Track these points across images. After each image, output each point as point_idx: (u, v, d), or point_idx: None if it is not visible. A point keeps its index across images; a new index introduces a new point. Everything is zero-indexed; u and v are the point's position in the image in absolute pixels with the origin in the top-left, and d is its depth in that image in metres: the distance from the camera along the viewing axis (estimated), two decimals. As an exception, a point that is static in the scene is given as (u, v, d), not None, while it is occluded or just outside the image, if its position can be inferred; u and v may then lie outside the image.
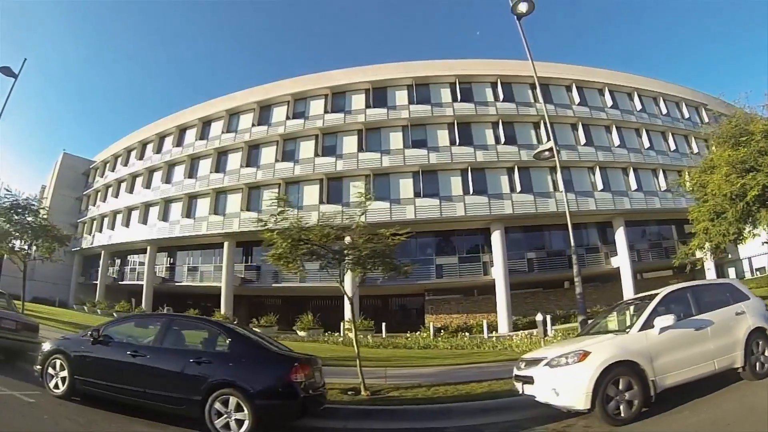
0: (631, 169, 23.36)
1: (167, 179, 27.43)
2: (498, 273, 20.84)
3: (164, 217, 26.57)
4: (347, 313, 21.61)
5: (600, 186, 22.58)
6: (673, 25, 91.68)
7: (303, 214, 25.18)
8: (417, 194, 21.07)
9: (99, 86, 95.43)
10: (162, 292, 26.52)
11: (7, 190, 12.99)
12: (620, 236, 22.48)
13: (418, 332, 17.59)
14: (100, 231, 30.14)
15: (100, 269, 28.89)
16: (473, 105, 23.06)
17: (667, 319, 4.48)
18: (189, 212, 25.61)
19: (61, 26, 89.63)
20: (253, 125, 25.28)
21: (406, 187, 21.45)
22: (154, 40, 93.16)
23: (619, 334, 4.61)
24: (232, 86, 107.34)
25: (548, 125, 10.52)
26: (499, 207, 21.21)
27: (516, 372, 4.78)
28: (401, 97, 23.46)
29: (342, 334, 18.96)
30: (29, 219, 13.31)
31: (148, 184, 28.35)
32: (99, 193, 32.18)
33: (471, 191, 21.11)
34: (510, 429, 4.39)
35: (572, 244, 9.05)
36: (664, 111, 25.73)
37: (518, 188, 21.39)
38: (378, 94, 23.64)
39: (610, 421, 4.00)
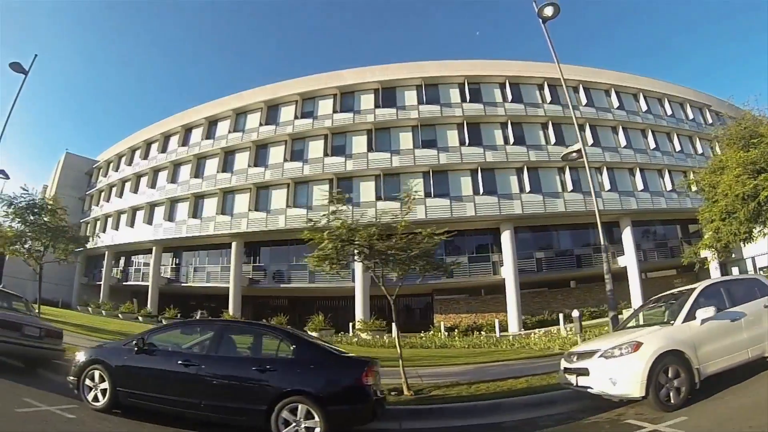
0: (638, 169, 23.84)
1: (173, 179, 27.51)
2: (508, 272, 21.20)
3: (170, 217, 26.65)
4: (358, 313, 21.92)
5: (607, 186, 23.03)
6: (675, 26, 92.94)
7: (312, 214, 25.20)
8: (428, 194, 21.37)
9: (101, 86, 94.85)
10: (167, 293, 26.58)
11: (24, 189, 12.99)
12: (627, 236, 22.94)
13: (431, 332, 17.86)
14: (104, 231, 30.12)
15: (104, 270, 28.88)
16: (482, 105, 23.42)
17: (709, 311, 4.80)
18: (196, 212, 25.72)
19: (63, 25, 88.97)
20: (260, 125, 25.46)
21: (416, 187, 21.73)
22: (159, 38, 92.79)
23: (665, 325, 4.93)
24: (238, 86, 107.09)
25: (576, 126, 10.83)
26: (508, 207, 21.57)
27: (566, 365, 5.06)
28: (410, 97, 23.77)
29: (354, 334, 19.24)
30: (46, 219, 13.24)
31: (153, 184, 28.40)
32: (102, 193, 32.18)
33: (481, 191, 21.46)
34: (565, 420, 4.63)
35: (603, 242, 9.40)
36: (669, 112, 26.26)
37: (527, 188, 21.77)
38: (387, 94, 23.94)
39: (662, 408, 4.31)
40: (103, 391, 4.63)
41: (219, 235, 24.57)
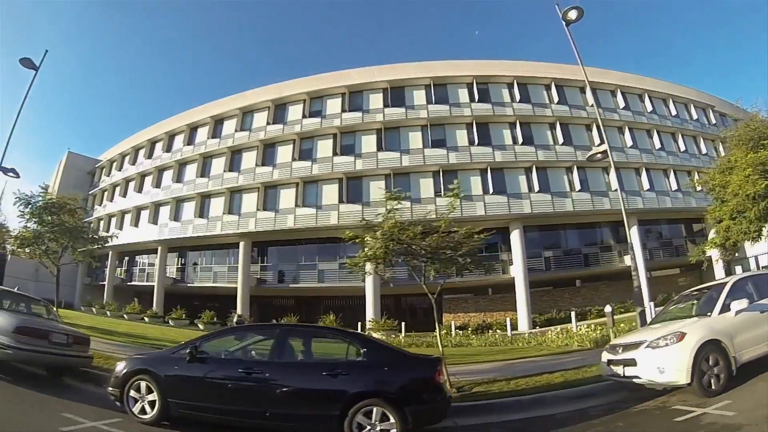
0: (644, 169, 24.36)
1: (178, 178, 27.61)
2: (517, 271, 21.59)
3: (176, 216, 26.76)
4: (369, 313, 22.20)
5: (614, 186, 23.50)
6: (676, 27, 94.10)
7: (321, 213, 25.33)
8: (438, 194, 21.71)
9: (102, 86, 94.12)
10: (172, 293, 26.69)
11: (42, 188, 13.01)
12: (634, 235, 23.41)
13: (443, 331, 18.15)
14: (108, 231, 30.10)
15: (107, 270, 28.90)
16: (490, 105, 23.81)
17: (743, 303, 5.17)
18: (202, 212, 25.86)
19: (62, 24, 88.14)
20: (268, 124, 25.65)
21: (426, 186, 22.09)
22: (163, 37, 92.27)
23: (702, 317, 5.29)
24: (244, 86, 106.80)
25: (601, 128, 11.19)
26: (518, 206, 21.98)
27: (610, 357, 5.41)
28: (419, 96, 24.10)
29: (366, 334, 19.49)
30: (65, 219, 13.20)
31: (158, 184, 28.48)
32: (106, 193, 32.18)
33: (491, 191, 21.85)
34: (612, 410, 4.92)
35: (629, 240, 9.68)
36: (674, 112, 26.83)
37: (536, 188, 22.19)
38: (396, 94, 24.25)
39: (705, 393, 4.66)
40: (151, 403, 4.42)
41: (226, 235, 24.73)
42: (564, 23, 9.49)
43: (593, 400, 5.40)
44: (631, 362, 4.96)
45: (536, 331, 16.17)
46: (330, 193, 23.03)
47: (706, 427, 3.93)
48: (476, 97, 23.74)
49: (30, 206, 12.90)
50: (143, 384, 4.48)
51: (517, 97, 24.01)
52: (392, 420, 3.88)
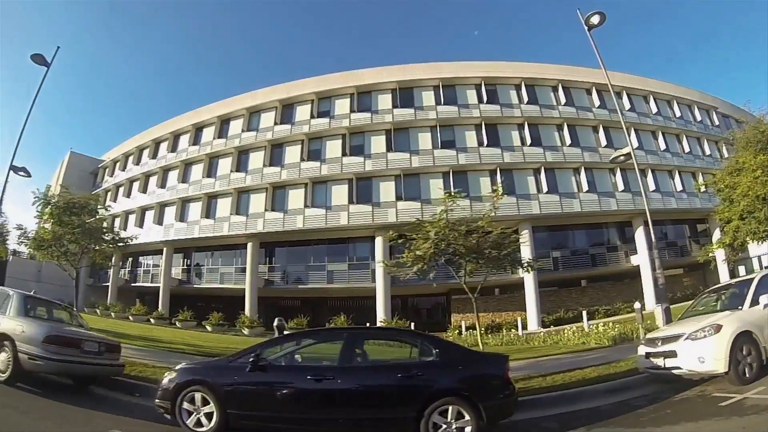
0: (649, 170, 24.95)
1: (184, 178, 27.78)
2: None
3: (182, 217, 26.91)
4: (380, 313, 22.52)
5: (621, 187, 24.08)
6: (676, 29, 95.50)
7: (331, 214, 25.57)
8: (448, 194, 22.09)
9: (106, 84, 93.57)
10: (178, 294, 26.80)
11: (64, 188, 13.12)
12: (640, 235, 23.99)
13: (456, 331, 18.57)
14: (111, 231, 30.15)
15: (111, 271, 28.94)
16: (499, 107, 24.30)
17: (771, 297, 5.59)
18: (209, 212, 26.05)
19: (60, 23, 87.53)
20: (275, 124, 25.93)
21: (436, 187, 22.48)
22: (169, 35, 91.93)
23: (734, 311, 5.70)
24: (248, 86, 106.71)
25: (626, 131, 11.62)
26: (527, 207, 22.46)
27: (649, 350, 5.83)
28: (428, 97, 24.52)
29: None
30: (87, 220, 13.22)
31: (163, 184, 28.61)
32: (109, 193, 32.23)
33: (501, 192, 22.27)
34: (656, 400, 5.29)
35: (653, 239, 10.08)
36: (678, 114, 27.49)
37: (545, 189, 22.67)
38: (405, 94, 24.65)
39: (740, 381, 5.07)
40: (208, 415, 4.26)
41: (234, 235, 24.94)
42: (586, 28, 9.90)
43: (631, 392, 5.79)
44: (672, 354, 5.36)
45: (551, 330, 16.57)
46: (339, 193, 23.35)
47: (751, 408, 4.33)
48: (485, 98, 24.20)
49: (50, 206, 12.99)
50: (198, 395, 4.31)
51: (525, 98, 24.50)
52: (467, 417, 3.97)
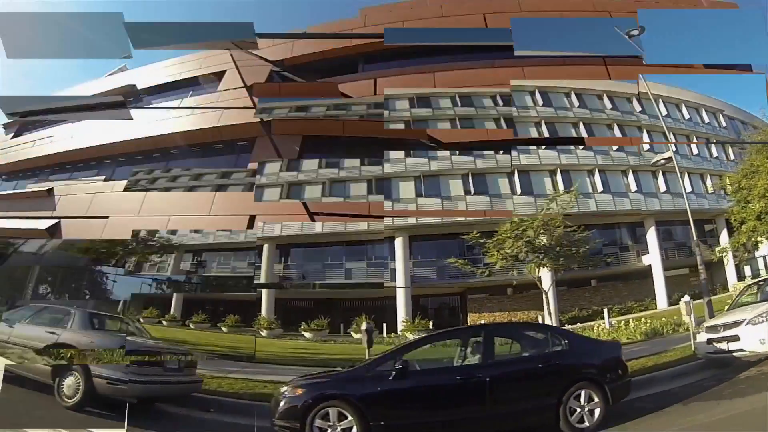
0: (660, 171, 26.01)
1: (193, 179, 27.91)
2: (544, 270, 22.82)
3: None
4: (401, 313, 22.99)
5: (633, 188, 25.08)
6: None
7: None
8: (467, 192, 22.84)
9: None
10: (185, 297, 26.83)
11: None
12: (651, 235, 25.00)
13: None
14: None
15: (121, 274, 28.97)
16: (515, 108, 25.12)
17: (808, 289, 6.45)
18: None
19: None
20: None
21: (456, 186, 23.19)
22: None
23: (777, 302, 6.56)
24: None
25: (667, 134, 12.35)
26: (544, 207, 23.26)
27: (710, 336, 6.73)
28: (444, 101, 25.18)
29: (399, 335, 20.31)
30: None
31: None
32: (115, 194, 32.11)
33: (518, 191, 23.10)
34: (722, 381, 6.10)
35: (694, 238, 10.86)
36: (686, 116, 28.67)
37: (561, 189, 23.53)
38: (421, 96, 25.25)
39: (791, 360, 5.91)
40: (345, 431, 4.37)
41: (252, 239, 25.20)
42: (627, 38, 10.66)
43: (693, 376, 6.63)
44: (735, 338, 6.22)
45: (577, 327, 17.42)
46: (358, 190, 23.76)
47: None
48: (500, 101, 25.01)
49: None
50: (332, 411, 4.35)
51: (540, 101, 25.40)
52: (596, 399, 4.58)
